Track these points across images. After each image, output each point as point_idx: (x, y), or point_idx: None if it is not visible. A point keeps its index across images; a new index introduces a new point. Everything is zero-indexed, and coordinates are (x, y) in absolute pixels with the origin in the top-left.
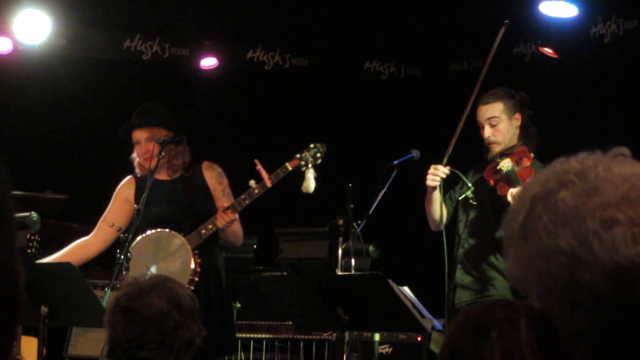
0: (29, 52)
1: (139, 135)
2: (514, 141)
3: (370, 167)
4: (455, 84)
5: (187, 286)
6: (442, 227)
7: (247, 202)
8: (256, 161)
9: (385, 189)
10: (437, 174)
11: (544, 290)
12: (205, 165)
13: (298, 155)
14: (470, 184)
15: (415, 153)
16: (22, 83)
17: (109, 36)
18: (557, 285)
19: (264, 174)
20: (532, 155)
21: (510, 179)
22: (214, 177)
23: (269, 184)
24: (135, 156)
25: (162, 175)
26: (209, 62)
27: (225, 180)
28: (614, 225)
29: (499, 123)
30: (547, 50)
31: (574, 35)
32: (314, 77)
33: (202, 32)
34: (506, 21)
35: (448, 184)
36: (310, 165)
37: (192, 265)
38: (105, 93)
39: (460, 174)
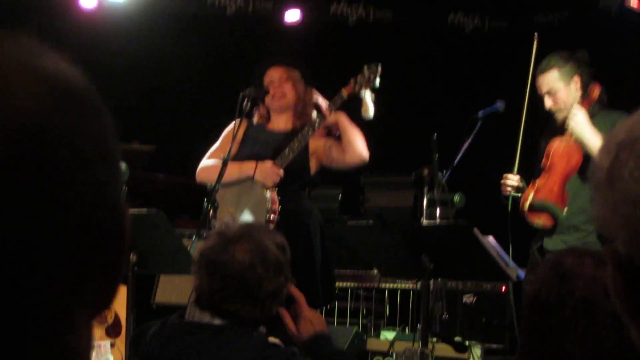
0: (114, 7)
1: (274, 72)
2: (578, 103)
3: (456, 118)
4: (541, 36)
5: (271, 228)
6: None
7: (310, 133)
8: (314, 90)
9: (470, 139)
10: (507, 184)
11: (630, 235)
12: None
13: (352, 80)
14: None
15: (500, 104)
16: (109, 38)
17: None
18: None
19: (322, 104)
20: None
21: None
22: (319, 146)
23: (327, 113)
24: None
25: (276, 126)
26: (292, 16)
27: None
28: None
29: (557, 92)
30: (633, 3)
31: None
32: (398, 30)
33: None
34: (536, 34)
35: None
36: (366, 88)
37: (269, 202)
38: (189, 48)
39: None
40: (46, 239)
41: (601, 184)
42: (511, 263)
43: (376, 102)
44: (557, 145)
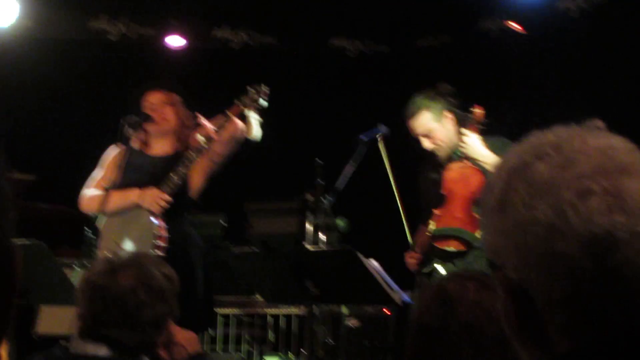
0: None
1: (154, 97)
2: (454, 137)
3: (339, 142)
4: (423, 60)
5: (157, 254)
6: None
7: (196, 157)
8: (197, 114)
9: (354, 163)
10: (410, 262)
11: (521, 261)
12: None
13: (236, 101)
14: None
15: (382, 128)
16: None
17: (74, 16)
18: (534, 255)
19: (208, 126)
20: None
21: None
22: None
23: (215, 136)
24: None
25: (156, 150)
26: (176, 42)
27: None
28: (589, 196)
29: (433, 132)
30: (514, 25)
31: (540, 9)
32: (281, 54)
33: (168, 10)
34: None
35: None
36: (250, 109)
37: (156, 222)
38: (71, 74)
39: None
40: None
41: (493, 210)
42: (395, 287)
43: (262, 123)
44: (449, 173)
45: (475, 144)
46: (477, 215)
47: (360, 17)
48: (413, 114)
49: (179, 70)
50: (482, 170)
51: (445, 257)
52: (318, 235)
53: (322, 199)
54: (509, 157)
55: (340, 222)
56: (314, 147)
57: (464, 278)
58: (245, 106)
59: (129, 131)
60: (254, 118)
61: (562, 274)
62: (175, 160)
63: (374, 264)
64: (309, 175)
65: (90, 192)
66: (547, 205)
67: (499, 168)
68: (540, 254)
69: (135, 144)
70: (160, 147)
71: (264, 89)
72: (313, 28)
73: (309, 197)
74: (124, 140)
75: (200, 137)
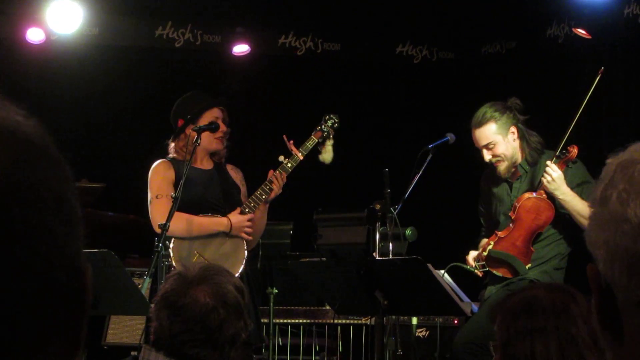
0: (61, 41)
1: (219, 113)
2: (517, 152)
3: (406, 151)
4: (488, 66)
5: (236, 272)
6: None
7: (282, 175)
8: (284, 137)
9: (421, 172)
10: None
11: (608, 256)
12: (230, 166)
13: (319, 127)
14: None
15: (449, 136)
16: (56, 72)
17: (141, 24)
18: (619, 253)
19: (293, 147)
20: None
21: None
22: (239, 178)
23: (300, 156)
24: (171, 141)
25: (197, 164)
26: (241, 49)
27: (245, 185)
28: None
29: (496, 145)
30: (580, 31)
31: (607, 15)
32: (346, 62)
33: (233, 18)
34: (602, 68)
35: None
36: (331, 136)
37: (245, 254)
38: (138, 81)
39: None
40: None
41: (595, 201)
42: (465, 297)
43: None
44: (525, 200)
45: (560, 181)
46: (533, 249)
47: (426, 24)
48: (480, 124)
49: (243, 77)
50: (555, 206)
51: (492, 279)
52: (387, 245)
53: (390, 209)
54: (625, 151)
55: (409, 232)
56: (381, 157)
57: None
58: (327, 133)
59: (199, 141)
60: (329, 144)
61: None
62: (220, 173)
63: (443, 274)
64: (377, 185)
65: (175, 221)
66: (638, 205)
67: (612, 161)
68: (624, 253)
69: (179, 156)
70: (205, 161)
71: (338, 118)
72: (379, 35)
73: (377, 207)
74: (194, 150)
75: (284, 160)
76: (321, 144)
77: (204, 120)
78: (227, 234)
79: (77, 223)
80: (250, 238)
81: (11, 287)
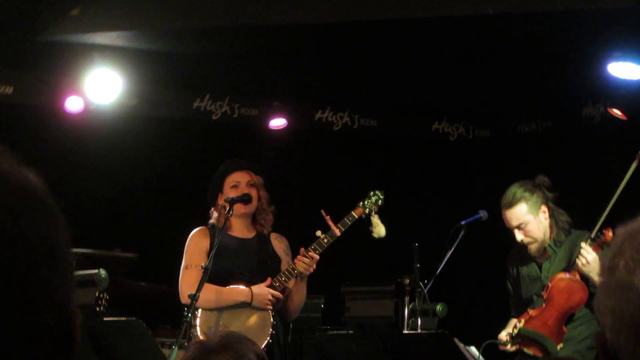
0: (100, 111)
1: (241, 176)
2: (547, 232)
3: (438, 227)
4: (524, 145)
5: (261, 345)
6: None
7: (317, 252)
8: (322, 212)
9: (453, 248)
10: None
11: (616, 323)
12: (274, 235)
13: (361, 203)
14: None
15: (483, 213)
16: (93, 142)
17: (179, 96)
18: (626, 320)
19: (331, 223)
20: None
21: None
22: (282, 247)
23: (337, 232)
24: (213, 210)
25: (235, 232)
26: (278, 123)
27: (290, 254)
28: None
29: (527, 224)
30: (616, 112)
31: None
32: (382, 138)
33: (271, 92)
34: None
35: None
36: (374, 212)
37: (271, 328)
38: (174, 152)
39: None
40: None
41: (604, 269)
42: None
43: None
44: (559, 280)
45: (594, 263)
46: (565, 330)
47: (463, 101)
48: (511, 205)
49: (279, 150)
50: (589, 287)
51: (523, 358)
52: (415, 320)
53: (420, 284)
54: (634, 222)
55: (439, 307)
56: (413, 232)
57: None
58: (370, 209)
59: (231, 212)
60: (377, 219)
61: None
62: (258, 243)
63: (472, 350)
64: (407, 259)
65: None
66: None
67: (622, 231)
68: (630, 320)
69: (219, 224)
70: (242, 228)
71: (383, 194)
72: (415, 112)
73: (406, 281)
74: (227, 221)
75: (321, 235)
76: (365, 220)
77: (227, 186)
78: (254, 307)
79: (67, 270)
80: (269, 308)
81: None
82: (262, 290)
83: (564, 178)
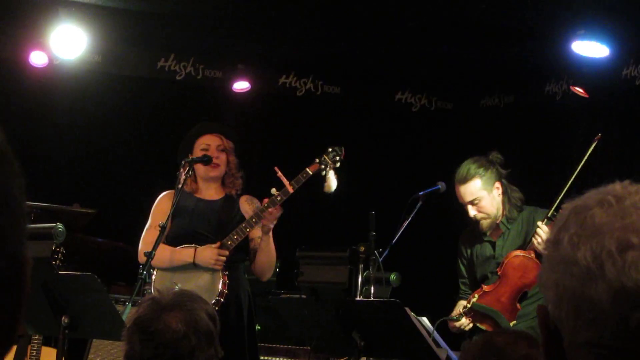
0: (64, 66)
1: (211, 139)
2: (500, 208)
3: (396, 197)
4: (486, 119)
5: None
6: None
7: (269, 208)
8: (276, 168)
9: (410, 219)
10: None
11: (557, 297)
12: (245, 197)
13: (317, 160)
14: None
15: (441, 185)
16: (57, 96)
17: (143, 55)
18: (567, 294)
19: (285, 180)
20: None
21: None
22: (252, 209)
23: (290, 189)
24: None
25: (201, 194)
26: (241, 86)
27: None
28: (629, 249)
29: (481, 201)
30: (578, 90)
31: (605, 75)
32: (345, 105)
33: (236, 55)
34: (599, 135)
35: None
36: (329, 168)
37: (220, 286)
38: (137, 111)
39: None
40: None
41: (549, 243)
42: (443, 344)
43: (338, 178)
44: (513, 257)
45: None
46: (519, 307)
47: (427, 73)
48: (465, 181)
49: (242, 113)
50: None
51: (476, 332)
52: (368, 287)
53: (374, 252)
54: (581, 197)
55: (393, 277)
56: (371, 200)
57: (516, 334)
58: (326, 165)
59: (190, 173)
60: (332, 175)
61: (587, 320)
62: (223, 204)
63: (424, 321)
64: (363, 227)
65: (148, 245)
66: (589, 249)
67: (568, 206)
68: (572, 295)
69: (186, 187)
70: (209, 191)
71: (343, 151)
72: (379, 81)
73: (361, 249)
74: (185, 182)
75: (275, 192)
76: (321, 175)
77: (197, 148)
78: (205, 268)
79: (21, 217)
80: (217, 268)
81: None
82: (205, 251)
83: (525, 154)
